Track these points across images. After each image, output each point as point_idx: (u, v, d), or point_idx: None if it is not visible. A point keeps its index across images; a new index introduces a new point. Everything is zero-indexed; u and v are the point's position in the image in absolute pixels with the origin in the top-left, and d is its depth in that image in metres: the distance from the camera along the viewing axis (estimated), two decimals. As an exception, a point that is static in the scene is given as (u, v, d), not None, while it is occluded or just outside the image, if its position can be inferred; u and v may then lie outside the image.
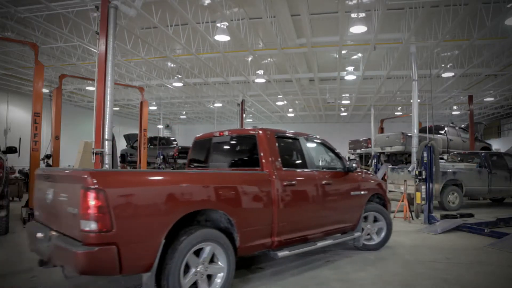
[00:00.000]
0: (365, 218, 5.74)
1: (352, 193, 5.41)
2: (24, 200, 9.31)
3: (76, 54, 14.34)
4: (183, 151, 17.11)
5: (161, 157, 15.27)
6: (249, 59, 15.78)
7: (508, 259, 5.42)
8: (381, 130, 22.55)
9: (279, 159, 4.46)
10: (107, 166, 6.75)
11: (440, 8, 10.43)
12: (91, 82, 16.41)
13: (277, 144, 4.57)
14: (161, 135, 24.02)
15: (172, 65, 17.03)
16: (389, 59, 15.05)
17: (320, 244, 4.83)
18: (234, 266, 3.72)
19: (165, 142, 18.60)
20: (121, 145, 20.38)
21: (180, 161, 16.66)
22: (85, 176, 2.93)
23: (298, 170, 4.82)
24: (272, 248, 4.20)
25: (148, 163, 15.29)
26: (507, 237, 6.47)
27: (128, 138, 19.82)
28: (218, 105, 25.01)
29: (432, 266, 5.00)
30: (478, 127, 20.03)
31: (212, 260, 3.64)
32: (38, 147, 8.77)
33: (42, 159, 10.48)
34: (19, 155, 8.52)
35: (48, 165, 11.44)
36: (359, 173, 5.79)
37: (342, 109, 27.01)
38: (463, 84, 18.23)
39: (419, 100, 13.15)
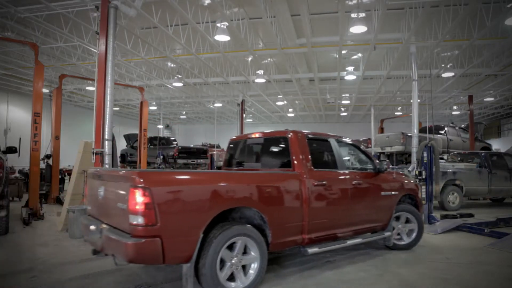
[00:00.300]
0: (397, 218, 5.77)
1: (382, 193, 5.45)
2: (24, 200, 9.31)
3: (76, 54, 14.34)
4: (183, 151, 17.11)
5: (161, 157, 15.26)
6: (249, 59, 15.78)
7: (508, 259, 5.42)
8: (381, 130, 22.57)
9: (310, 159, 4.64)
10: (107, 166, 6.75)
11: (440, 8, 10.43)
12: (91, 82, 16.41)
13: (308, 146, 4.75)
14: (161, 135, 24.02)
15: (172, 65, 17.03)
16: (389, 59, 15.05)
17: (349, 242, 4.94)
18: (266, 261, 3.96)
19: (165, 142, 18.59)
20: (121, 145, 20.38)
21: (180, 161, 16.64)
22: (134, 176, 3.29)
23: (328, 171, 4.96)
24: (303, 245, 4.39)
25: (148, 163, 15.29)
26: (507, 237, 6.47)
27: (128, 138, 19.83)
28: (218, 105, 25.01)
29: (432, 266, 5.00)
30: (478, 127, 20.04)
31: (245, 254, 3.88)
32: (38, 147, 8.78)
33: (42, 159, 10.50)
34: (19, 155, 8.52)
35: (48, 165, 11.46)
36: (391, 174, 5.82)
37: (342, 109, 27.01)
38: (463, 84, 18.23)
39: (419, 100, 13.15)
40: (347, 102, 23.53)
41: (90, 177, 4.44)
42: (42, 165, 10.55)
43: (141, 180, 3.22)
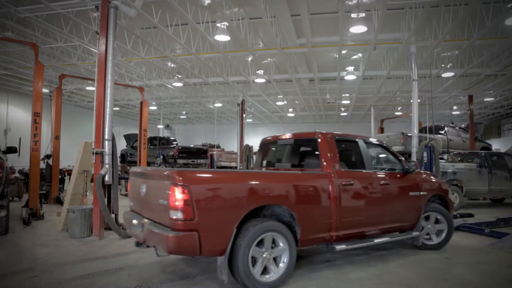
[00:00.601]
0: (426, 218, 5.80)
1: (410, 193, 5.50)
2: (24, 200, 9.31)
3: (76, 54, 14.34)
4: (183, 151, 17.09)
5: (161, 157, 15.25)
6: (249, 59, 15.78)
7: (508, 259, 5.42)
8: (381, 130, 22.56)
9: (338, 160, 4.82)
10: (107, 166, 6.74)
11: (440, 8, 10.43)
12: (91, 82, 16.42)
13: (336, 146, 4.91)
14: (161, 135, 24.01)
15: (172, 65, 17.03)
16: (389, 59, 15.05)
17: (377, 241, 5.05)
18: (295, 256, 4.19)
19: (165, 142, 18.57)
20: (121, 145, 20.37)
21: (180, 161, 16.64)
22: (174, 174, 3.59)
23: (356, 171, 5.10)
24: (330, 242, 4.56)
25: (148, 163, 15.28)
26: (507, 237, 6.47)
27: (128, 138, 19.82)
28: (218, 105, 25.01)
29: (432, 266, 5.00)
30: (478, 127, 20.02)
31: (275, 248, 4.09)
32: (38, 147, 8.78)
33: (42, 159, 10.49)
34: (19, 155, 8.52)
35: (48, 165, 11.45)
36: (420, 174, 5.85)
37: (342, 109, 27.01)
38: (463, 84, 18.23)
39: (419, 100, 13.15)
40: (347, 102, 23.53)
41: (132, 175, 4.80)
42: (42, 165, 10.54)
43: (181, 178, 3.53)
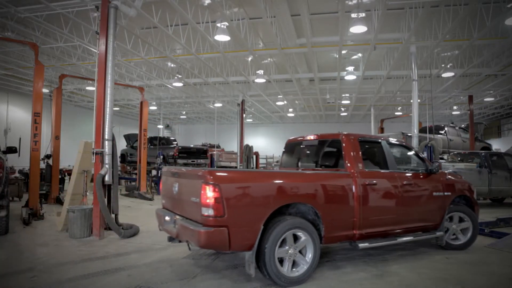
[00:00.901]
0: (451, 218, 5.81)
1: (433, 193, 5.54)
2: (24, 200, 9.30)
3: (76, 54, 14.34)
4: (183, 151, 17.08)
5: (161, 157, 15.24)
6: (249, 59, 15.78)
7: (508, 259, 5.43)
8: (381, 130, 22.55)
9: (361, 160, 4.95)
10: (107, 166, 6.74)
11: (440, 8, 10.43)
12: (91, 82, 16.42)
13: (359, 147, 5.05)
14: (161, 135, 24.01)
15: (172, 65, 17.03)
16: (389, 59, 15.05)
17: (400, 239, 5.15)
18: (319, 253, 4.35)
19: (165, 142, 18.56)
20: (121, 145, 20.37)
21: (180, 161, 16.63)
22: (206, 174, 3.84)
23: (379, 171, 5.22)
24: (354, 240, 4.69)
25: (148, 163, 15.28)
26: (507, 237, 6.46)
27: (128, 138, 19.81)
28: (218, 105, 25.01)
29: (432, 266, 5.00)
30: (478, 127, 20.01)
31: (300, 245, 4.24)
32: (38, 147, 8.78)
33: (42, 159, 10.49)
34: (19, 155, 8.52)
35: (48, 165, 11.45)
36: (444, 175, 5.87)
37: (342, 109, 27.02)
38: (463, 84, 18.23)
39: (419, 100, 13.16)
40: (347, 102, 23.54)
41: (165, 174, 5.05)
42: (42, 165, 10.54)
43: (212, 177, 3.77)
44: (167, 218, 4.53)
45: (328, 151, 5.64)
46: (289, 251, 4.15)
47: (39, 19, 10.45)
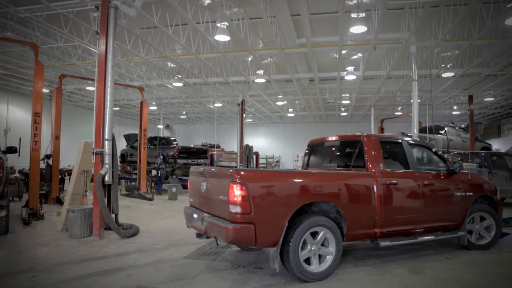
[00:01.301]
0: (474, 218, 5.84)
1: (454, 193, 5.61)
2: (24, 200, 9.31)
3: (76, 54, 14.33)
4: (183, 151, 17.09)
5: (161, 157, 15.25)
6: (249, 59, 15.77)
7: (508, 259, 5.43)
8: (381, 130, 22.56)
9: (382, 160, 5.08)
10: (107, 166, 6.74)
11: (440, 8, 10.43)
12: (91, 82, 16.41)
13: (380, 148, 5.18)
14: (161, 135, 24.01)
15: (172, 65, 17.02)
16: (389, 59, 15.04)
17: (420, 238, 5.25)
18: (341, 249, 4.48)
19: (165, 142, 18.57)
20: (121, 145, 20.38)
21: (180, 161, 16.64)
22: (233, 173, 4.04)
23: (400, 171, 5.32)
24: (375, 238, 4.82)
25: (148, 163, 15.29)
26: (507, 237, 6.48)
27: (128, 138, 19.82)
28: (218, 105, 25.01)
29: (432, 266, 5.00)
30: (478, 127, 20.01)
31: (323, 242, 4.40)
32: (38, 147, 8.78)
33: (42, 159, 10.49)
34: (19, 155, 8.52)
35: (48, 165, 11.45)
36: (465, 175, 5.88)
37: (342, 109, 27.01)
38: (463, 84, 18.22)
39: (419, 100, 13.15)
40: (347, 102, 23.53)
41: (192, 174, 5.27)
42: (42, 165, 10.54)
43: (239, 177, 3.97)
44: (195, 215, 4.71)
45: (350, 152, 5.76)
46: (312, 248, 4.29)
47: (39, 19, 10.45)
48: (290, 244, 4.11)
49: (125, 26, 11.09)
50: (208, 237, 4.72)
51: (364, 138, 5.19)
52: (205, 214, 4.52)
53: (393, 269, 4.87)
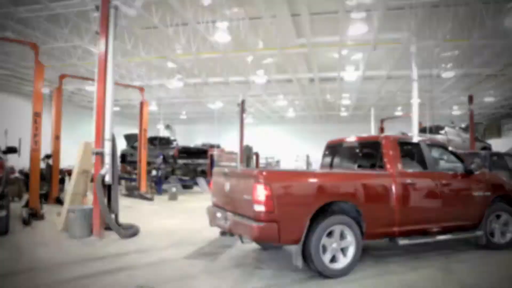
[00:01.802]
0: (495, 217, 5.84)
1: (472, 193, 5.68)
2: (24, 200, 9.31)
3: (76, 54, 14.34)
4: (183, 151, 17.07)
5: (161, 157, 15.24)
6: (249, 59, 15.78)
7: (508, 259, 5.43)
8: (382, 130, 22.54)
9: (401, 161, 5.18)
10: (107, 166, 6.74)
11: (440, 8, 10.43)
12: (91, 82, 16.40)
13: (399, 148, 5.28)
14: (161, 135, 23.99)
15: (172, 65, 17.03)
16: (389, 59, 15.04)
17: (439, 237, 5.32)
18: (361, 247, 4.58)
19: (165, 142, 18.56)
20: (121, 145, 20.37)
21: (180, 161, 16.62)
22: (257, 174, 4.20)
23: (418, 171, 5.43)
24: (394, 237, 4.92)
25: (148, 163, 15.28)
26: (507, 237, 6.44)
27: (128, 138, 19.80)
28: (219, 104, 25.01)
29: (431, 265, 5.00)
30: (478, 127, 20.00)
31: (343, 240, 4.50)
32: (38, 147, 8.78)
33: (42, 159, 10.48)
34: (19, 155, 8.51)
35: (48, 165, 11.45)
36: (483, 175, 5.95)
37: (342, 109, 27.01)
38: (463, 84, 18.22)
39: (419, 100, 13.14)
40: (347, 102, 23.52)
41: (216, 174, 5.46)
42: (42, 165, 10.53)
43: (264, 177, 4.12)
44: (218, 214, 4.88)
45: (368, 152, 5.84)
46: (333, 245, 4.40)
47: (39, 19, 10.46)
48: (312, 241, 4.22)
49: (125, 26, 11.09)
50: (232, 235, 4.88)
51: (383, 139, 5.32)
52: (228, 213, 4.66)
53: (393, 268, 4.86)
